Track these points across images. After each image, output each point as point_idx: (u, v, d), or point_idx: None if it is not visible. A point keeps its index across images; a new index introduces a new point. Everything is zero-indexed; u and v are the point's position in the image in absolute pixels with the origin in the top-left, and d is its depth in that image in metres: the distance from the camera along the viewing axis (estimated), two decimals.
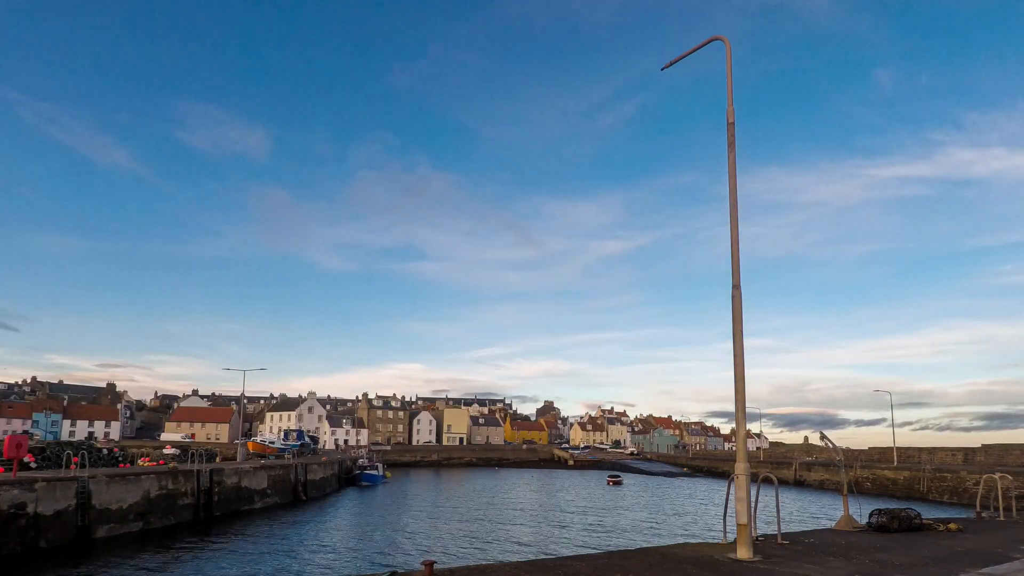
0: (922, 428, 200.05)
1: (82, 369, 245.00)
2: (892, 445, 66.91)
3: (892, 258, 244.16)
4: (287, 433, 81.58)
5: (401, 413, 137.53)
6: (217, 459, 53.13)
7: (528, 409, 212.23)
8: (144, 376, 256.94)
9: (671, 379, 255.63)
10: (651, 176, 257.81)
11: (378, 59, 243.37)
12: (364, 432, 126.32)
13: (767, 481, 12.35)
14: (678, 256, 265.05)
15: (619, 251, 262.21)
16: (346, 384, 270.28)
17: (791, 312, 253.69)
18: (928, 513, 17.80)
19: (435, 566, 7.36)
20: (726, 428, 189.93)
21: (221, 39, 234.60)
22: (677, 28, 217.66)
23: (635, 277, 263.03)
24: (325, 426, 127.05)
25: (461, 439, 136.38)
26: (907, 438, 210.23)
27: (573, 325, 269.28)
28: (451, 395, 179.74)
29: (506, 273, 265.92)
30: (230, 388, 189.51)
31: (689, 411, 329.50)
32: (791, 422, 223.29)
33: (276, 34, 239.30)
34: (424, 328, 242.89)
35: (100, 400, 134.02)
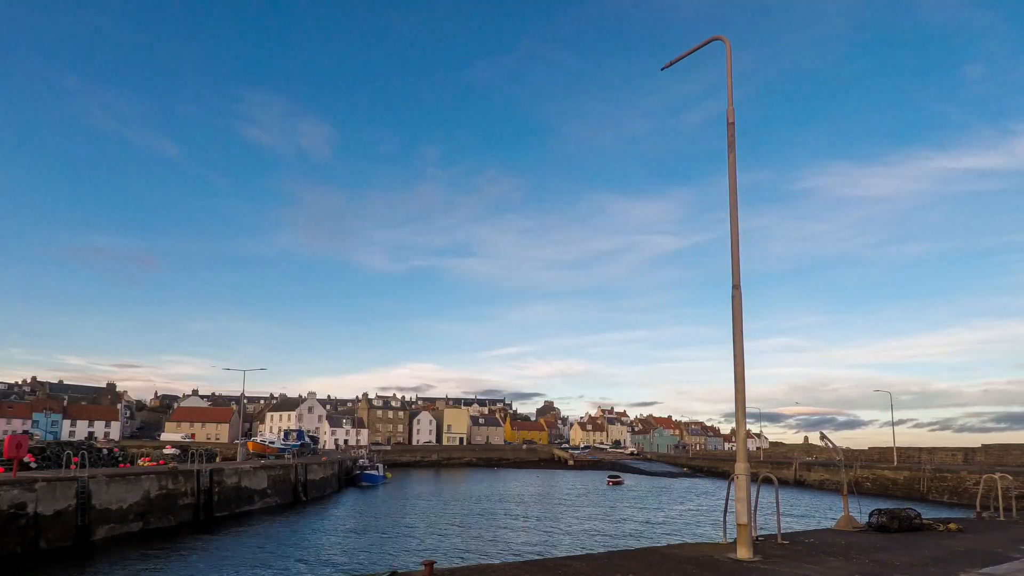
0: (941, 428, 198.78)
1: (100, 370, 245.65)
2: (892, 445, 66.95)
3: (943, 256, 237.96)
4: (287, 433, 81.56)
5: (401, 413, 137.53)
6: (217, 459, 53.14)
7: (529, 409, 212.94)
8: (158, 376, 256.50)
9: (689, 379, 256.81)
10: (724, 174, 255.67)
11: (463, 52, 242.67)
12: (364, 432, 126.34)
13: (767, 481, 12.35)
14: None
15: (670, 250, 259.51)
16: (364, 383, 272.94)
17: (827, 311, 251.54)
18: (928, 513, 17.80)
19: (435, 566, 7.36)
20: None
21: (297, 31, 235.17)
22: (781, 22, 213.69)
23: (680, 276, 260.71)
24: (325, 426, 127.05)
25: (461, 439, 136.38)
26: (923, 439, 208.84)
27: (601, 324, 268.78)
28: (456, 395, 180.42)
29: (549, 272, 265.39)
30: (249, 388, 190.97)
31: (703, 411, 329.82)
32: (813, 423, 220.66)
33: (354, 27, 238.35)
34: (444, 327, 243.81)
35: (100, 400, 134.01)
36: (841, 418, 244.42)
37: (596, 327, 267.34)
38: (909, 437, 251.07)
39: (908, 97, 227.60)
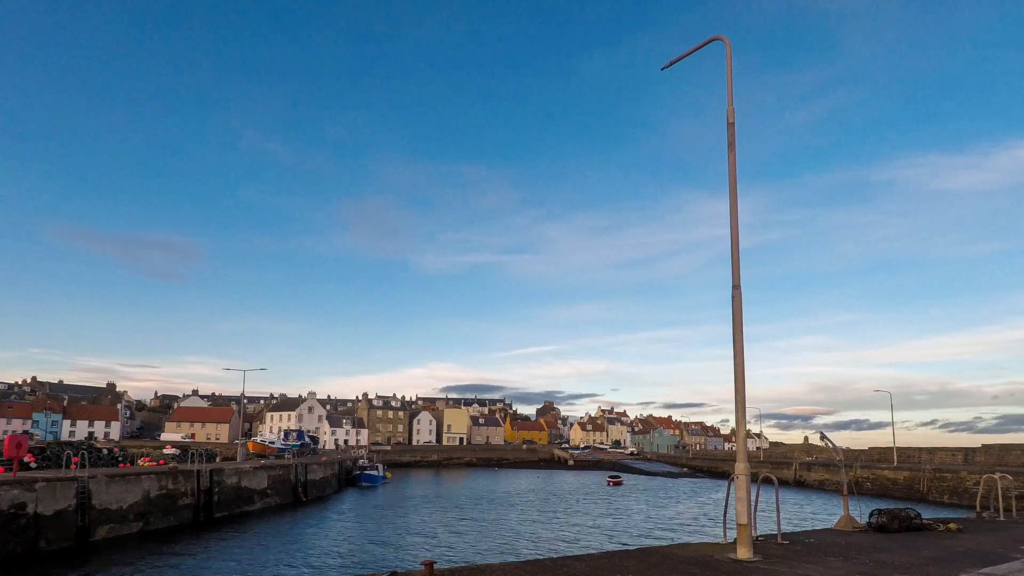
0: (960, 429, 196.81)
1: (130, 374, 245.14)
2: (892, 445, 66.93)
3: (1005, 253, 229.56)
4: (287, 433, 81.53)
5: (401, 413, 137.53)
6: (217, 459, 53.10)
7: (529, 409, 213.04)
8: (176, 375, 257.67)
9: (713, 379, 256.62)
10: (813, 173, 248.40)
11: (576, 43, 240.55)
12: (364, 432, 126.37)
13: (767, 481, 12.35)
14: (796, 252, 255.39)
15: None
16: (392, 384, 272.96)
17: (864, 308, 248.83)
18: (928, 513, 17.81)
19: (435, 566, 7.36)
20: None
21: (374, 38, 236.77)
22: (911, 18, 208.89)
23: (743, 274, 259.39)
24: (325, 426, 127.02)
25: (461, 439, 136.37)
26: (949, 440, 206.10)
27: (642, 323, 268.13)
28: (468, 396, 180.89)
29: (610, 271, 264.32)
30: (270, 387, 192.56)
31: (725, 412, 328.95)
32: (840, 425, 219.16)
33: (433, 28, 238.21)
34: (468, 326, 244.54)
35: (100, 400, 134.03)
36: (863, 417, 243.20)
37: (636, 325, 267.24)
38: (931, 438, 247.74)
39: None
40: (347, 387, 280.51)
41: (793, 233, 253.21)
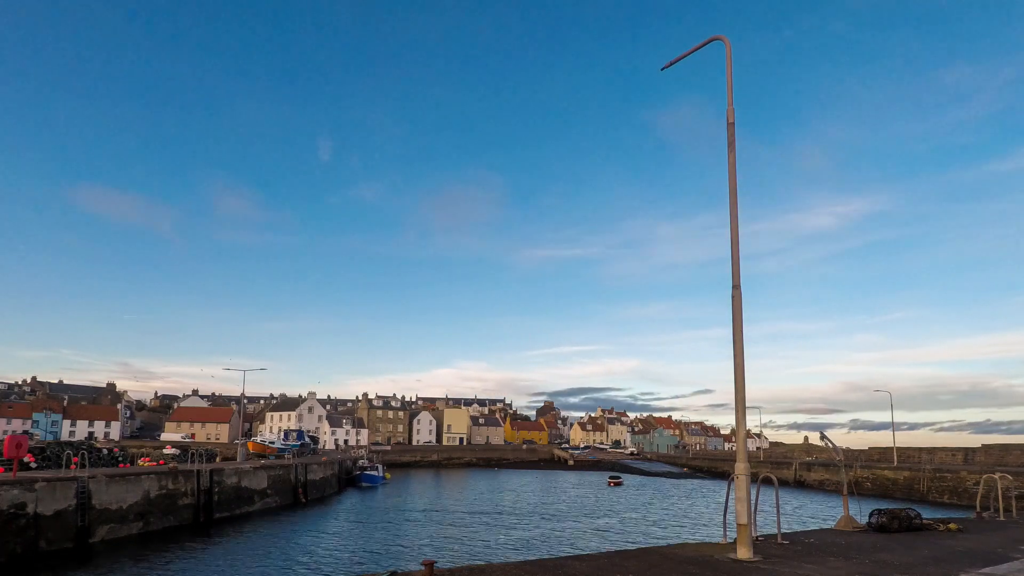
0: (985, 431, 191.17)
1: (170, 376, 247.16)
2: (892, 445, 66.93)
3: None
4: (287, 433, 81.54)
5: (401, 413, 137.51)
6: (217, 459, 53.10)
7: (529, 409, 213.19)
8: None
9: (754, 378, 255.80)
10: (931, 172, 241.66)
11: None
12: (364, 432, 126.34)
13: (767, 481, 12.35)
14: (882, 255, 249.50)
15: (837, 249, 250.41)
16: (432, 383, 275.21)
17: (916, 304, 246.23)
18: (928, 513, 17.79)
19: (435, 566, 7.36)
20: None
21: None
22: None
23: (829, 274, 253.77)
24: (325, 426, 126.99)
25: (461, 439, 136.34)
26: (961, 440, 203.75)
27: (694, 322, 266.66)
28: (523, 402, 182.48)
29: (699, 270, 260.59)
30: (299, 386, 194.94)
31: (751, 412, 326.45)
32: (875, 426, 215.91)
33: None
34: (511, 322, 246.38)
35: (100, 400, 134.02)
36: (897, 418, 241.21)
37: (688, 325, 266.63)
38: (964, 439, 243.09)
39: None
40: (381, 386, 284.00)
41: (878, 239, 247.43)
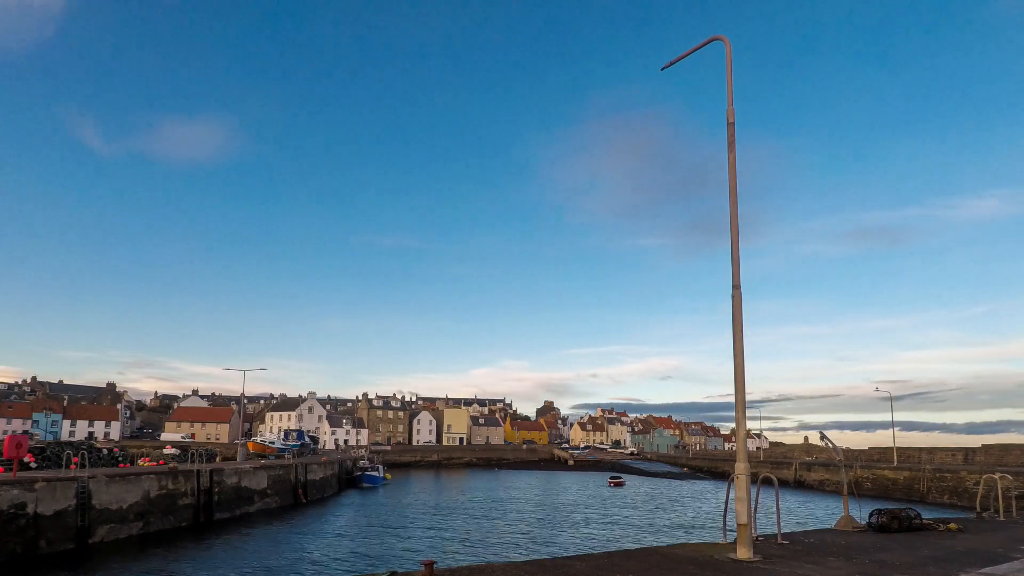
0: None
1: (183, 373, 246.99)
2: (892, 445, 66.93)
3: None
4: (287, 433, 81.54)
5: (401, 413, 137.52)
6: (217, 459, 53.09)
7: (529, 409, 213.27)
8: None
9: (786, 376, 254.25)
10: None
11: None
12: (364, 432, 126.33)
13: (767, 481, 12.35)
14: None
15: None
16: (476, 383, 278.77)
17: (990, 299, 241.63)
18: (928, 513, 17.80)
19: (435, 566, 7.36)
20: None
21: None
22: None
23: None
24: (325, 426, 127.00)
25: (461, 439, 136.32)
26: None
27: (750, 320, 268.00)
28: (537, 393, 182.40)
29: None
30: (310, 385, 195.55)
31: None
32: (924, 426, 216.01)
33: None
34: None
35: (100, 400, 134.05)
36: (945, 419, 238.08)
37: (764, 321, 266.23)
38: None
39: None
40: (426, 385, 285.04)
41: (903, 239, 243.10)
